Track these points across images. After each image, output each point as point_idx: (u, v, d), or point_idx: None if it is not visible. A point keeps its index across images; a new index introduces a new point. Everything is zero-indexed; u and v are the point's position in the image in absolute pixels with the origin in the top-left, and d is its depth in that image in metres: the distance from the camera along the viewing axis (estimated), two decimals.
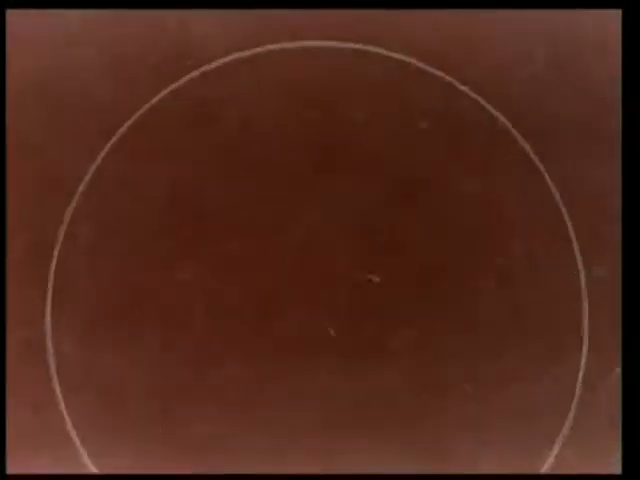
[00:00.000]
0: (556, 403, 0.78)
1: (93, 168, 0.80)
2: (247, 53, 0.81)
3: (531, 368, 0.78)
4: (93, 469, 0.77)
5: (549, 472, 0.77)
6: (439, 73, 0.81)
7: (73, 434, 0.77)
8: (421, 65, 0.80)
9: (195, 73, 0.81)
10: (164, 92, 0.80)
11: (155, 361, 0.78)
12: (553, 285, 0.79)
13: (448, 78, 0.81)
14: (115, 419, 0.78)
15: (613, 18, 0.80)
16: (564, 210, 0.79)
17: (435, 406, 0.78)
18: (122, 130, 0.80)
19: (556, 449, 0.77)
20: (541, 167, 0.80)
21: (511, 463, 0.77)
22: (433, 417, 0.78)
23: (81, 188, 0.80)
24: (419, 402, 0.78)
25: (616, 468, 0.73)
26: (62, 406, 0.78)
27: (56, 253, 0.78)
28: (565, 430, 0.77)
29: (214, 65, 0.81)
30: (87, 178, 0.80)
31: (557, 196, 0.79)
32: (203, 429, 0.78)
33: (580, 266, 0.78)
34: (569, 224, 0.79)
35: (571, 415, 0.78)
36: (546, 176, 0.80)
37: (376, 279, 0.77)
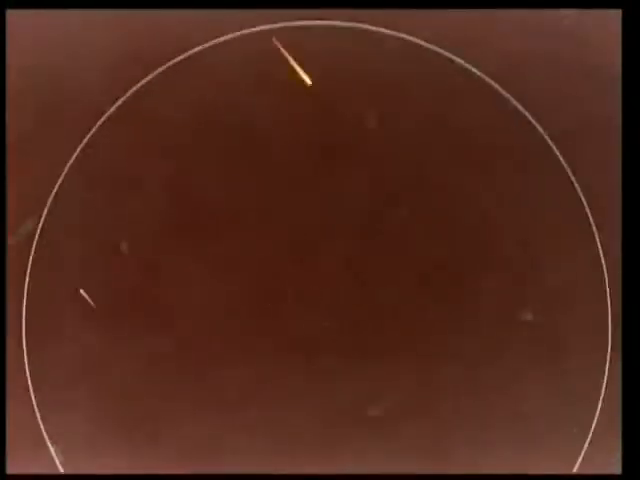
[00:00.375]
0: (556, 403, 0.78)
1: (71, 161, 0.80)
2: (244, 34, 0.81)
3: (531, 368, 0.78)
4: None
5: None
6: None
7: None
8: (426, 46, 0.80)
9: (187, 62, 0.81)
10: (150, 76, 0.80)
11: (155, 361, 0.78)
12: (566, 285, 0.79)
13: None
14: (115, 418, 0.78)
15: (613, 18, 0.80)
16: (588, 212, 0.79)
17: (435, 406, 0.78)
18: (104, 119, 0.80)
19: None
20: (565, 164, 0.80)
21: (511, 463, 0.77)
22: (433, 417, 0.78)
23: (63, 182, 0.80)
24: (419, 402, 0.78)
25: (616, 468, 0.73)
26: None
27: (33, 250, 0.79)
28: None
29: (201, 51, 0.81)
30: (64, 173, 0.80)
31: (579, 191, 0.79)
32: (202, 429, 0.78)
33: (603, 261, 0.78)
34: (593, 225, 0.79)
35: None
36: (568, 172, 0.80)
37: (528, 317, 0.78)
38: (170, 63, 0.81)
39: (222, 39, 0.80)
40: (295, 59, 0.80)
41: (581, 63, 0.81)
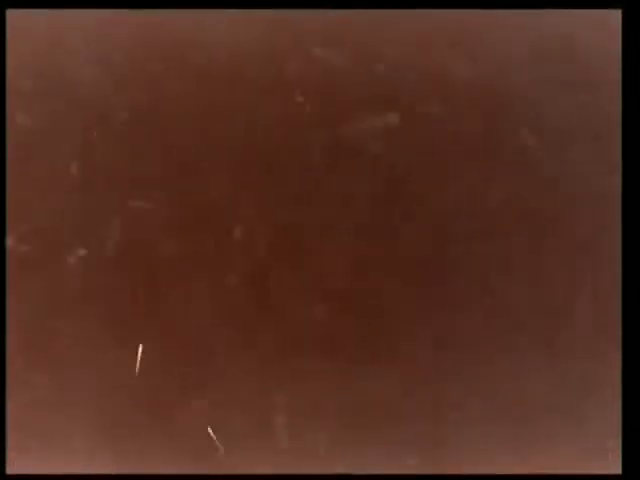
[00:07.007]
0: (557, 403, 0.78)
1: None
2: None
3: (530, 369, 0.78)
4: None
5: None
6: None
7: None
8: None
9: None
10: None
11: (154, 362, 0.78)
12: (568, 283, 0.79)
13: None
14: (116, 418, 0.78)
15: (613, 18, 0.80)
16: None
17: (435, 406, 0.78)
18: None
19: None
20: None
21: (512, 463, 0.77)
22: (433, 417, 0.78)
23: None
24: (419, 402, 0.78)
25: (616, 468, 0.73)
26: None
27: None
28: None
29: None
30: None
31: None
32: (202, 429, 0.78)
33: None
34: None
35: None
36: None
37: None
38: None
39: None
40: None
41: (581, 63, 0.81)
